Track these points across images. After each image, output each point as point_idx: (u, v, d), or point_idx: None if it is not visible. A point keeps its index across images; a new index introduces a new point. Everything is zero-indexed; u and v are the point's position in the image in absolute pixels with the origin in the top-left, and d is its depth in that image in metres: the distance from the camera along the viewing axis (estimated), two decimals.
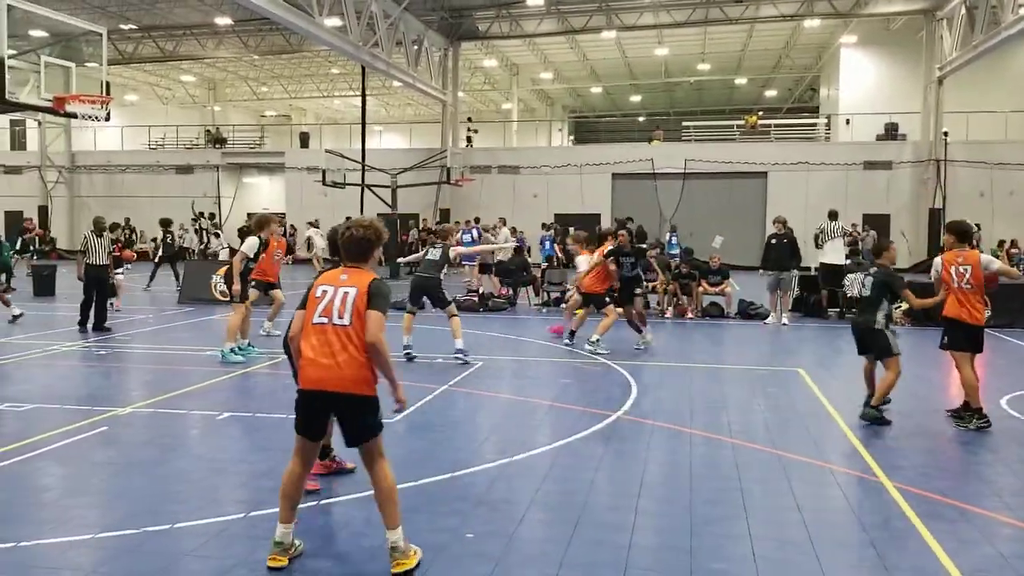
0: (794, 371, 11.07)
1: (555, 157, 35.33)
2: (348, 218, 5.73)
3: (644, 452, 7.17)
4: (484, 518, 5.54)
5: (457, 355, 11.15)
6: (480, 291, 18.26)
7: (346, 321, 4.61)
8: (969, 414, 8.12)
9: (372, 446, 4.73)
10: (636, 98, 48.59)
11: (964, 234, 8.44)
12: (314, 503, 5.72)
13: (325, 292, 4.70)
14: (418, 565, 4.70)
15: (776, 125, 37.01)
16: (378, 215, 30.82)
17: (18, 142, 41.16)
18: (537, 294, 18.87)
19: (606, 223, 31.88)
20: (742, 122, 35.63)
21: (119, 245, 17.37)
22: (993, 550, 5.07)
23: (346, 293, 4.64)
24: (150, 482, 6.30)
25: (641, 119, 48.89)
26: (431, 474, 6.36)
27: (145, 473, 6.53)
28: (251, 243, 11.75)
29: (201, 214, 32.49)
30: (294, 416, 4.84)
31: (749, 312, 16.63)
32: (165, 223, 23.40)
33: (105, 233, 14.08)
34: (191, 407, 8.59)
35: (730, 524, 5.48)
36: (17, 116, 33.89)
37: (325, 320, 4.65)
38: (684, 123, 37.43)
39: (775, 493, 6.12)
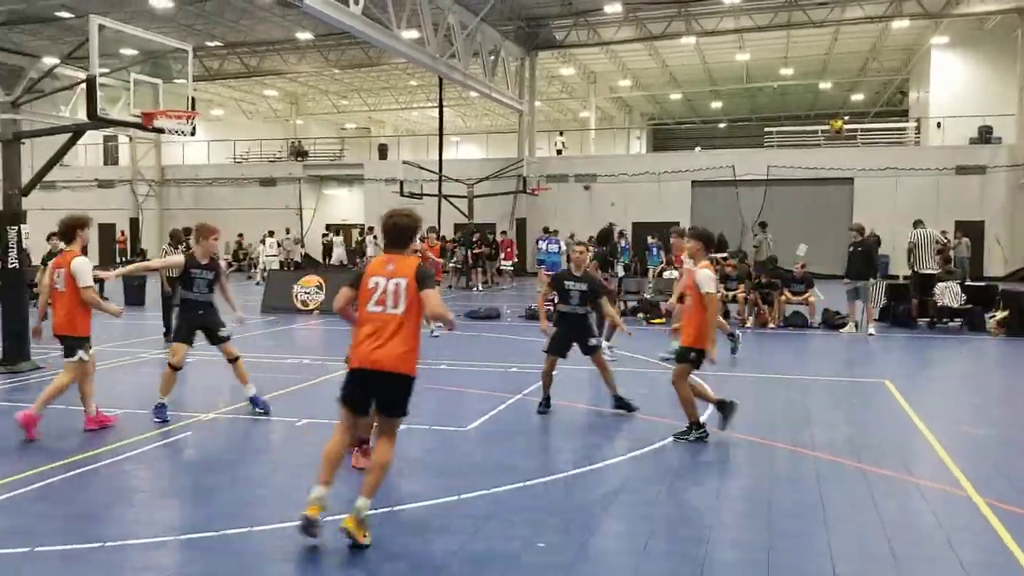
0: (880, 383, 10.69)
1: (633, 165, 35.05)
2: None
3: (722, 464, 7.02)
4: (557, 528, 5.48)
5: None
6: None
7: (400, 310, 5.16)
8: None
9: (395, 424, 5.39)
10: (717, 104, 47.90)
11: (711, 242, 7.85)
12: (386, 509, 5.75)
13: (377, 284, 5.22)
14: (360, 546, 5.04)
15: (863, 130, 35.94)
16: (455, 225, 31.16)
17: (111, 157, 42.85)
18: (613, 303, 18.66)
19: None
20: (827, 127, 34.74)
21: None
22: None
23: (397, 284, 5.18)
24: (231, 485, 6.44)
25: (722, 125, 48.15)
26: (504, 483, 6.33)
27: (226, 477, 6.68)
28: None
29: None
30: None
31: (834, 322, 16.15)
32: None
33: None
34: (271, 413, 8.74)
35: (810, 539, 5.31)
36: (110, 132, 35.29)
37: (380, 309, 5.18)
38: (766, 129, 36.69)
39: (858, 507, 5.90)
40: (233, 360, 8.81)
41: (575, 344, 8.81)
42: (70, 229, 8.03)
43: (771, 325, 16.30)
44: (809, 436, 7.93)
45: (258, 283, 26.71)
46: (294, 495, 6.28)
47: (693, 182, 33.28)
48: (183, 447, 7.58)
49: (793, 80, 41.42)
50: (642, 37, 32.87)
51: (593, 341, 8.90)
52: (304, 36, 32.41)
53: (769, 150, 33.97)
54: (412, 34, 25.03)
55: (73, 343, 7.90)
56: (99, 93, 11.48)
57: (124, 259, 31.68)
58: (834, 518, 5.67)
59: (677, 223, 31.44)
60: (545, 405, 8.78)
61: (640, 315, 17.39)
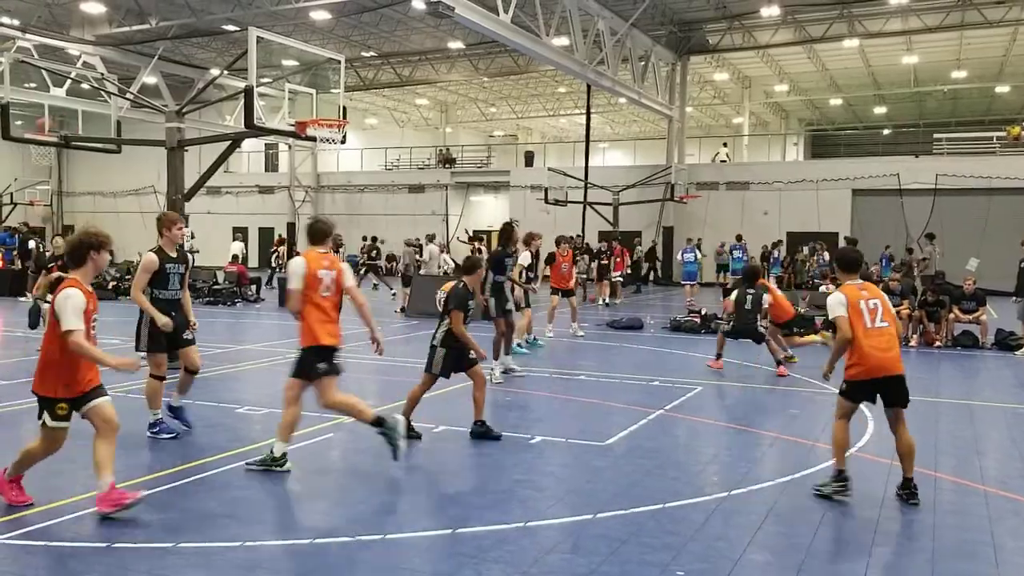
0: None
1: (789, 172, 33.74)
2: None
3: (881, 494, 6.46)
4: (697, 555, 5.17)
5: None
6: (702, 311, 17.59)
7: None
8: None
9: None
10: (880, 109, 45.51)
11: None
12: (519, 524, 5.57)
13: None
14: None
15: None
16: (600, 233, 30.85)
17: (271, 164, 45.05)
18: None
19: (843, 242, 29.98)
20: (1003, 134, 32.31)
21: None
22: None
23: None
24: (367, 491, 6.45)
25: (886, 132, 45.67)
26: (642, 503, 6.05)
27: (363, 481, 6.70)
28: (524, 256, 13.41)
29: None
30: None
31: (1009, 343, 14.89)
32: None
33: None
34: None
35: None
36: (270, 140, 37.06)
37: None
38: (935, 135, 34.53)
39: None
40: (194, 371, 7.84)
41: None
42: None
43: (938, 344, 15.19)
44: (978, 468, 7.25)
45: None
46: (427, 503, 6.24)
47: (854, 191, 31.74)
48: (325, 449, 7.68)
49: (966, 83, 38.79)
50: (801, 40, 31.63)
51: None
52: (455, 45, 33.01)
53: (938, 158, 31.97)
54: (561, 41, 24.99)
55: None
56: (260, 103, 11.99)
57: (280, 262, 33.14)
58: (1007, 561, 5.13)
59: (836, 234, 30.16)
60: None
61: (794, 330, 16.54)
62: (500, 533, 5.43)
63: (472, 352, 7.84)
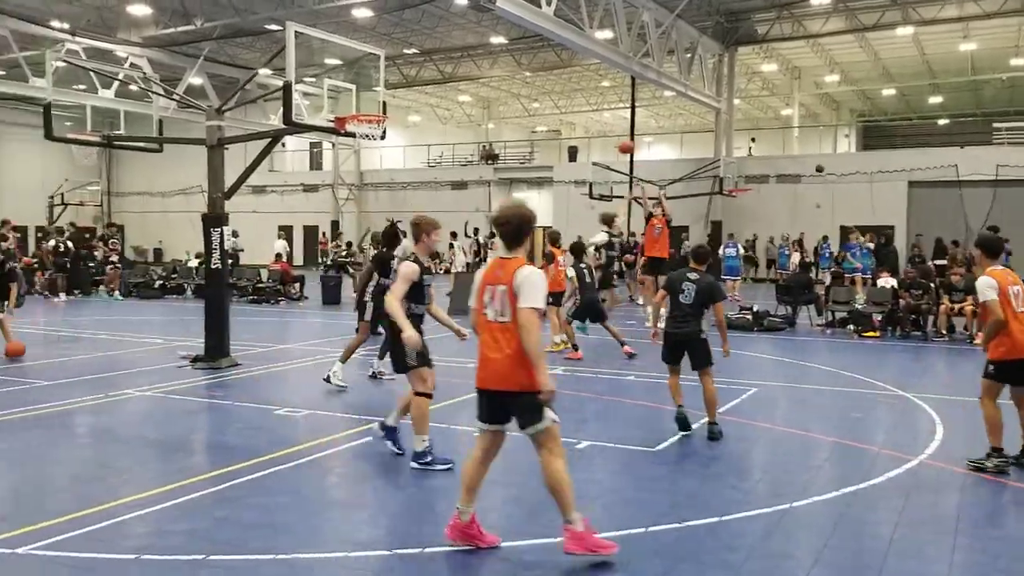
0: None
1: (841, 165, 32.87)
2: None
3: (956, 508, 6.00)
4: (760, 574, 4.78)
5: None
6: (754, 308, 17.05)
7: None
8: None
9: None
10: (936, 99, 44.21)
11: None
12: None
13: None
14: None
15: None
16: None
17: (315, 163, 45.22)
18: (820, 313, 17.32)
19: (900, 235, 29.08)
20: None
21: None
22: None
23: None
24: (404, 499, 6.19)
25: (941, 122, 44.39)
26: (697, 516, 5.67)
27: (400, 488, 6.43)
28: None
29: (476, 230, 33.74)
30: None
31: None
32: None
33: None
34: (455, 421, 8.46)
35: None
36: (313, 138, 37.09)
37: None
38: (995, 125, 33.35)
39: None
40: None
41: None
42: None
43: None
44: None
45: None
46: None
47: (910, 183, 30.79)
48: (364, 453, 7.39)
49: None
50: (853, 28, 30.77)
51: None
52: (497, 40, 32.72)
53: (998, 148, 30.87)
54: (605, 34, 24.57)
55: None
56: (305, 102, 11.79)
57: (324, 260, 33.21)
58: None
59: (892, 227, 29.22)
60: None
61: (850, 327, 15.96)
62: (545, 547, 5.11)
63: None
